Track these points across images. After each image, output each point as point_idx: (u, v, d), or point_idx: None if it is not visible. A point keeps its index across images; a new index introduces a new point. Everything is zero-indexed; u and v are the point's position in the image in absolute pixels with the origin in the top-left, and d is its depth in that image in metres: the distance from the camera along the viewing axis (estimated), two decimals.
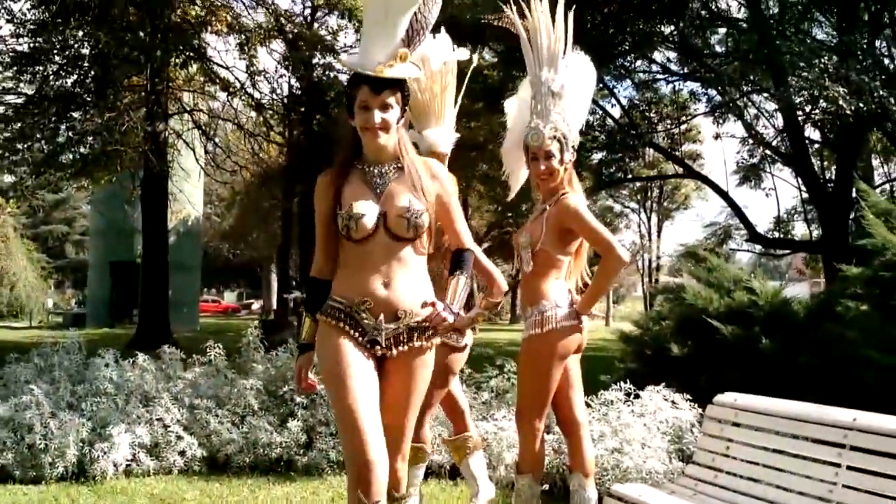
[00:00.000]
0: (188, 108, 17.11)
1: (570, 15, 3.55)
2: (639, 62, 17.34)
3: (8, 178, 19.97)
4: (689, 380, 5.57)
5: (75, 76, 15.13)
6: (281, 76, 18.96)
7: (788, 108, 13.27)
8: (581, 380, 3.57)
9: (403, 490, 2.73)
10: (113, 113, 14.21)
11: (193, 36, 15.55)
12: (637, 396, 5.13)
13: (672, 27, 15.25)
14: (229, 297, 54.98)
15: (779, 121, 16.80)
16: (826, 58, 12.04)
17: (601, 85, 16.11)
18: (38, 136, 15.17)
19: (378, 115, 2.58)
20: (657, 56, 17.38)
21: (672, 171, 26.05)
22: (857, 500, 2.77)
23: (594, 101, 13.75)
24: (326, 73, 18.85)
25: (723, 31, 16.08)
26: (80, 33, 14.67)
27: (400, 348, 2.60)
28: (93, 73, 14.89)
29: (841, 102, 10.92)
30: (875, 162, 20.93)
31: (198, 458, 5.11)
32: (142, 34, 14.64)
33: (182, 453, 5.10)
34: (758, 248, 20.36)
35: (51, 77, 14.91)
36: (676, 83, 18.57)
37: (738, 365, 5.57)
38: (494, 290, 3.64)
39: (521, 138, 3.54)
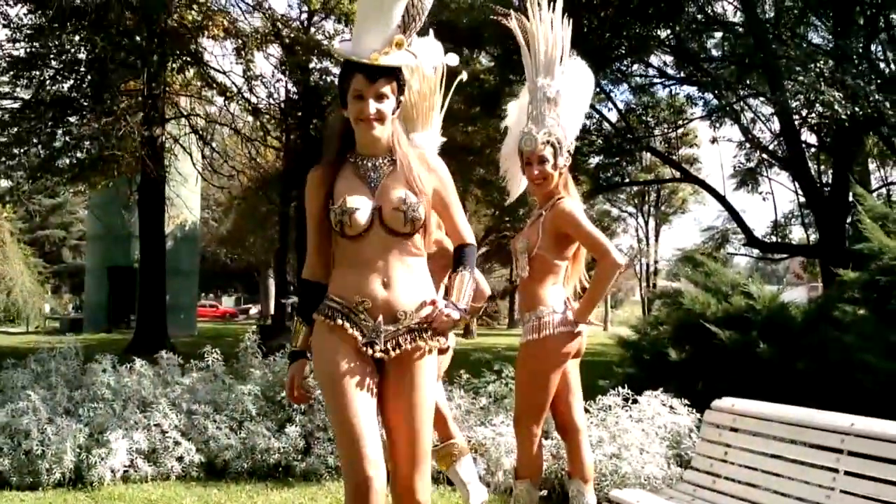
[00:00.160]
0: (185, 113, 17.13)
1: (568, 21, 3.56)
2: (635, 66, 17.40)
3: (4, 183, 19.92)
4: (687, 385, 5.57)
5: (72, 81, 15.15)
6: (278, 81, 19.09)
7: (784, 112, 13.29)
8: (580, 385, 3.58)
9: (424, 497, 2.51)
10: (110, 118, 14.23)
11: (190, 41, 15.59)
12: (635, 401, 5.13)
13: (668, 31, 15.30)
14: (227, 302, 54.89)
15: (775, 125, 16.86)
16: (822, 62, 12.08)
17: (598, 89, 16.12)
18: (34, 140, 15.19)
19: (373, 106, 2.45)
20: (654, 60, 17.44)
21: (669, 175, 26.05)
22: None
23: (591, 106, 13.81)
24: (323, 77, 18.91)
25: (719, 35, 16.13)
26: (77, 38, 14.70)
27: (399, 350, 2.47)
28: (89, 77, 14.91)
29: (836, 107, 10.96)
30: (872, 166, 20.94)
31: (195, 463, 5.10)
32: (139, 39, 14.68)
33: (180, 459, 5.09)
34: (755, 252, 20.35)
35: (47, 82, 14.93)
36: (673, 87, 18.62)
37: (736, 370, 5.57)
38: (476, 294, 3.63)
39: (517, 143, 3.55)
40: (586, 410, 3.75)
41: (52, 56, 14.83)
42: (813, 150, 17.46)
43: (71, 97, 15.06)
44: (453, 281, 2.63)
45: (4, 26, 14.42)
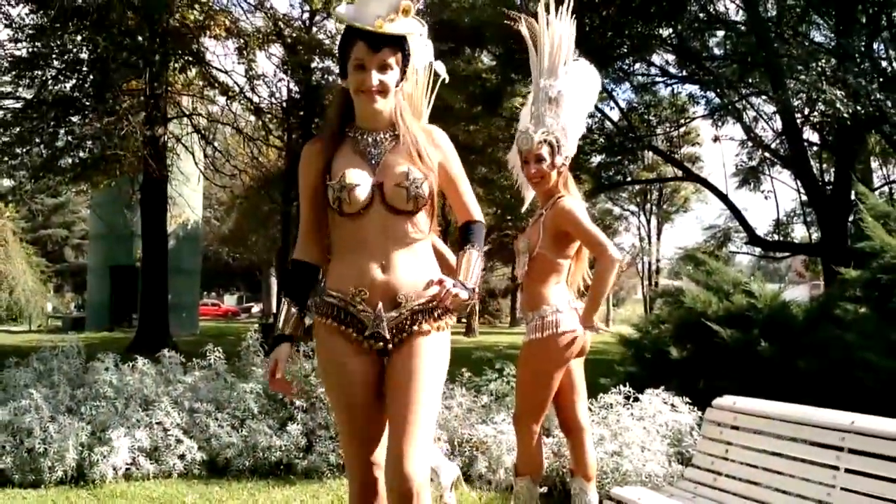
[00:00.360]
0: (187, 113, 17.15)
1: (573, 22, 3.56)
2: (637, 65, 17.43)
3: (7, 183, 19.99)
4: (689, 383, 5.58)
5: (74, 80, 15.17)
6: (280, 80, 19.10)
7: (786, 111, 13.30)
8: (585, 383, 3.59)
9: (413, 468, 2.17)
10: (112, 117, 14.25)
11: (192, 40, 15.59)
12: (637, 399, 5.13)
13: (670, 30, 15.31)
14: (229, 301, 54.96)
15: (777, 123, 16.87)
16: (824, 60, 12.10)
17: (600, 88, 16.14)
18: (37, 140, 15.23)
19: (375, 77, 2.27)
20: (656, 59, 17.48)
21: (671, 174, 26.09)
22: (855, 502, 2.77)
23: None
24: (325, 76, 18.90)
25: (721, 33, 16.15)
26: (79, 38, 14.72)
27: (402, 336, 2.31)
28: (92, 77, 14.92)
29: (838, 105, 10.96)
30: (874, 164, 20.95)
31: (197, 461, 5.11)
32: (140, 38, 14.70)
33: (182, 457, 5.10)
34: (757, 250, 20.36)
35: (50, 81, 14.95)
36: (675, 86, 18.68)
37: (737, 368, 5.58)
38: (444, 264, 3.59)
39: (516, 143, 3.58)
40: (588, 408, 3.75)
41: (54, 56, 14.85)
42: (815, 148, 17.48)
43: (73, 97, 15.08)
44: (461, 259, 2.45)
45: (6, 26, 14.46)
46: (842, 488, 2.82)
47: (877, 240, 5.42)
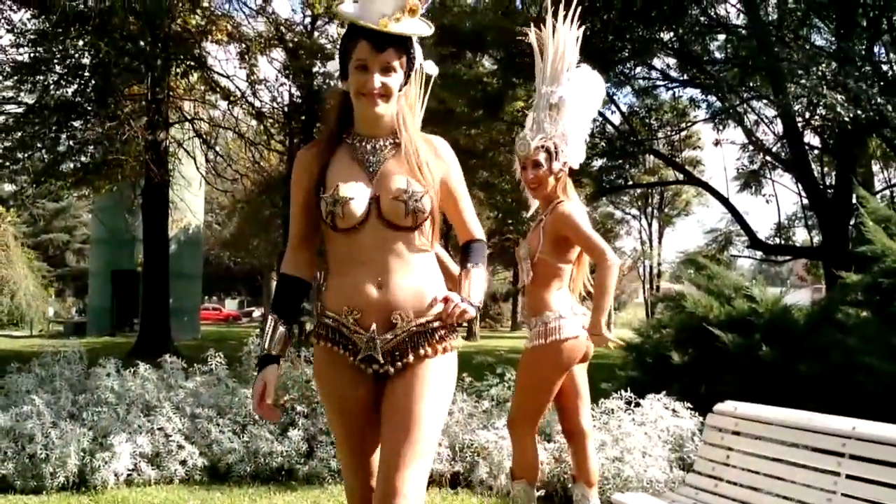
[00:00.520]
0: (189, 117, 17.17)
1: (578, 29, 3.57)
2: (638, 69, 17.44)
3: (8, 187, 20.04)
4: (690, 388, 5.58)
5: (76, 85, 15.19)
6: (281, 85, 19.10)
7: (787, 115, 13.32)
8: (588, 389, 3.59)
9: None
10: (113, 122, 14.26)
11: (194, 45, 15.62)
12: (638, 405, 5.13)
13: (671, 34, 15.33)
14: (230, 305, 54.99)
15: (778, 127, 16.87)
16: (824, 64, 12.10)
17: None
18: (38, 145, 15.24)
19: (378, 79, 2.12)
20: (657, 63, 17.50)
21: (672, 178, 26.06)
22: None
23: None
24: (327, 81, 18.92)
25: (722, 37, 16.16)
26: (81, 43, 14.74)
27: (400, 363, 2.15)
28: (93, 82, 14.94)
29: (839, 109, 10.97)
30: (875, 168, 20.96)
31: (199, 467, 5.11)
32: (142, 43, 14.71)
33: (183, 462, 5.10)
34: (759, 254, 20.36)
35: (51, 86, 14.96)
36: (676, 90, 18.66)
37: (739, 373, 5.57)
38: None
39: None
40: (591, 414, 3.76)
41: (55, 61, 14.86)
42: (816, 152, 17.49)
43: (75, 102, 15.09)
44: (464, 278, 2.31)
45: (8, 31, 14.47)
46: (843, 494, 2.81)
47: (878, 243, 5.42)
